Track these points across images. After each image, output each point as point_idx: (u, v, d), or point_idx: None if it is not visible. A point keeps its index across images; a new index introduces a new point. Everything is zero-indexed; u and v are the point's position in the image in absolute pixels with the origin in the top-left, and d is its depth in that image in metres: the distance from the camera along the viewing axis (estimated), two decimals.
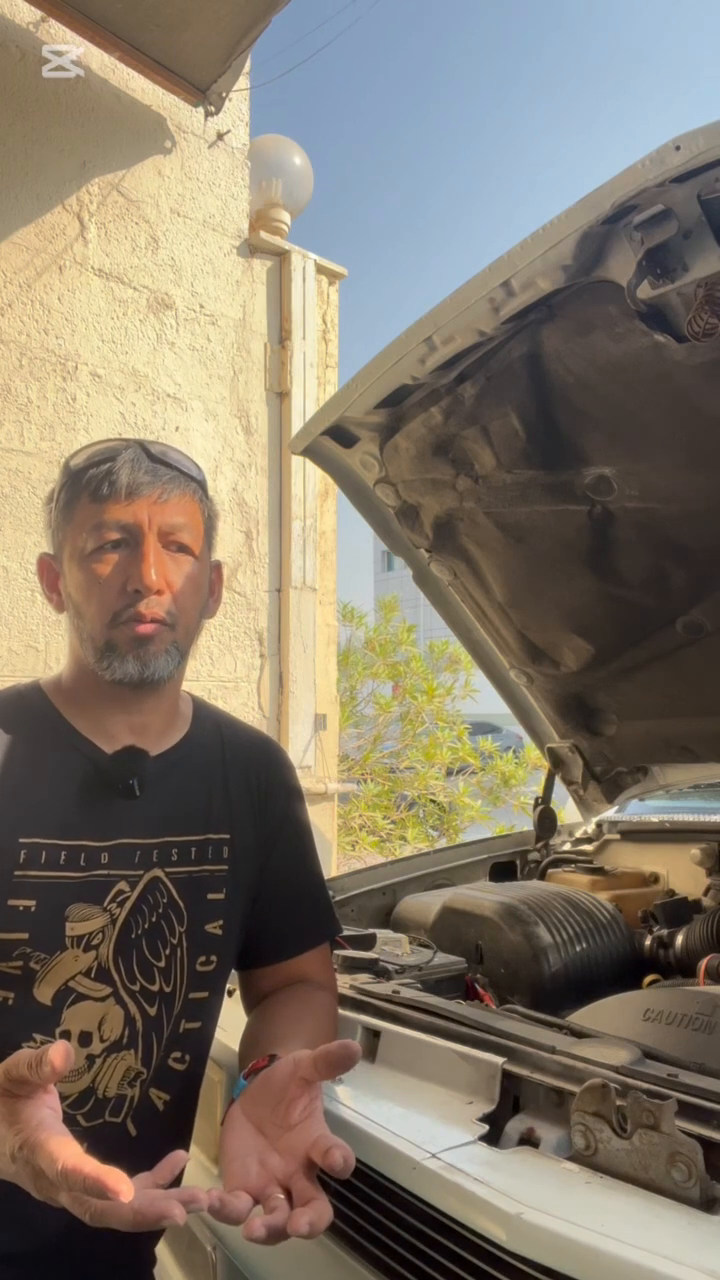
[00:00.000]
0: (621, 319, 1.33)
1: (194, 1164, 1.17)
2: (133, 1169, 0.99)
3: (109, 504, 0.98)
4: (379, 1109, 0.99)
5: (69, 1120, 0.94)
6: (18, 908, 0.95)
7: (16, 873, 0.96)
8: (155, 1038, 1.02)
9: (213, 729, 1.15)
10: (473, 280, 1.40)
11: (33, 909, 0.96)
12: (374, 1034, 1.15)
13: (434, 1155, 0.87)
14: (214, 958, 1.06)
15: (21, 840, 0.97)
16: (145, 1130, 1.01)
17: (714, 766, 2.02)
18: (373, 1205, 0.96)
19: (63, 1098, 0.94)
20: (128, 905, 1.00)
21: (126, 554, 0.99)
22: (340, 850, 5.17)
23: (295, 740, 3.90)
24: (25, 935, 0.95)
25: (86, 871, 0.99)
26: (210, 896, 1.07)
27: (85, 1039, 0.97)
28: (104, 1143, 0.95)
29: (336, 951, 1.41)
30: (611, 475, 1.58)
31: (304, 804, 1.21)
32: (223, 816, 1.10)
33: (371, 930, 1.56)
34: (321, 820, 3.96)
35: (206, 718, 1.17)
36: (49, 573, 1.07)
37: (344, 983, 1.29)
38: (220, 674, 3.67)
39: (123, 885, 1.01)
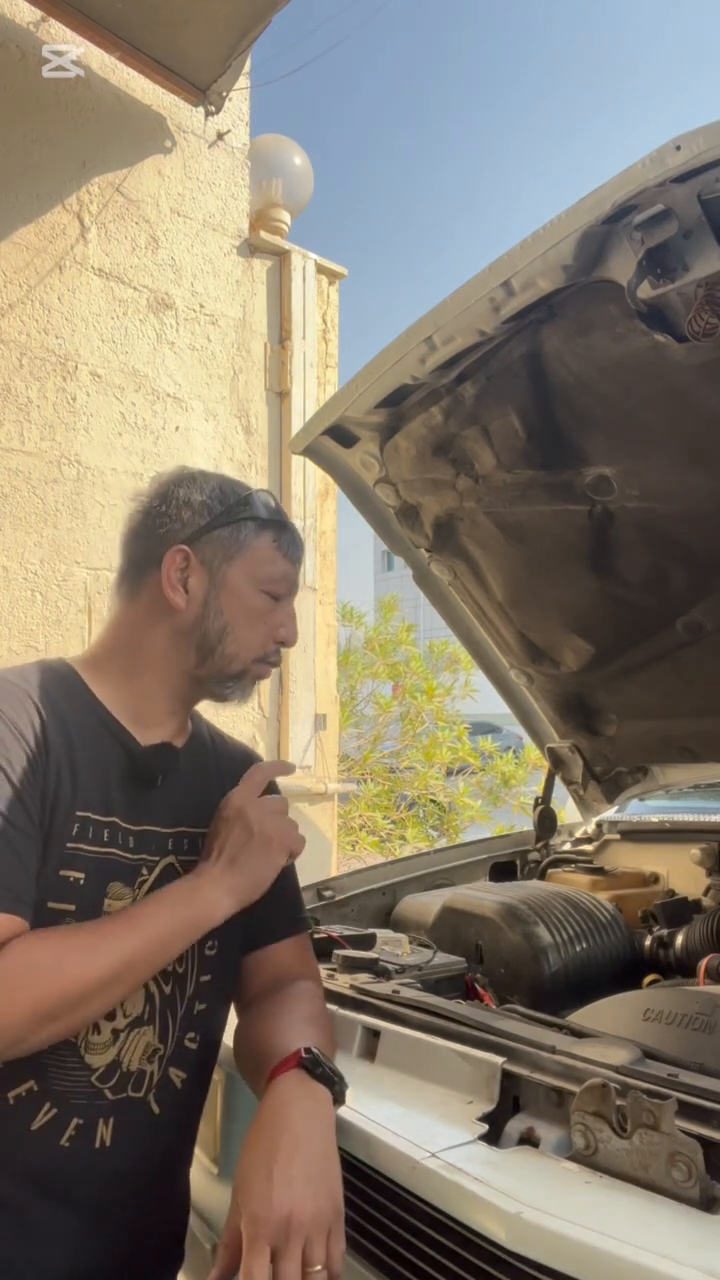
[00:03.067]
0: (621, 319, 1.33)
1: (195, 1164, 1.17)
2: (156, 1149, 1.05)
3: (291, 562, 1.14)
4: (379, 1109, 0.99)
5: (96, 1094, 1.00)
6: (69, 879, 0.99)
7: (69, 845, 1.00)
8: (171, 1016, 1.06)
9: (206, 735, 1.24)
10: (473, 280, 1.40)
11: (81, 882, 1.00)
12: (374, 1034, 1.15)
13: (434, 1155, 0.87)
14: (215, 942, 1.11)
15: (77, 813, 1.01)
16: (166, 1109, 1.05)
17: (714, 766, 2.02)
18: (373, 1204, 0.96)
19: (91, 1070, 1.00)
20: (145, 888, 1.06)
21: (282, 608, 1.14)
22: (340, 850, 5.17)
23: (295, 740, 3.90)
24: (73, 907, 0.99)
25: (122, 852, 1.04)
26: None
27: (110, 1013, 1.01)
28: (131, 1120, 1.02)
29: (336, 951, 1.41)
30: (611, 475, 1.58)
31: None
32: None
33: (371, 930, 1.56)
34: (321, 820, 3.95)
35: (201, 724, 1.25)
36: (180, 566, 1.09)
37: (344, 983, 1.29)
38: None
39: (144, 870, 1.06)
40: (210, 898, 1.01)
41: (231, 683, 1.12)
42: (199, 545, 1.10)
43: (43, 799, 0.98)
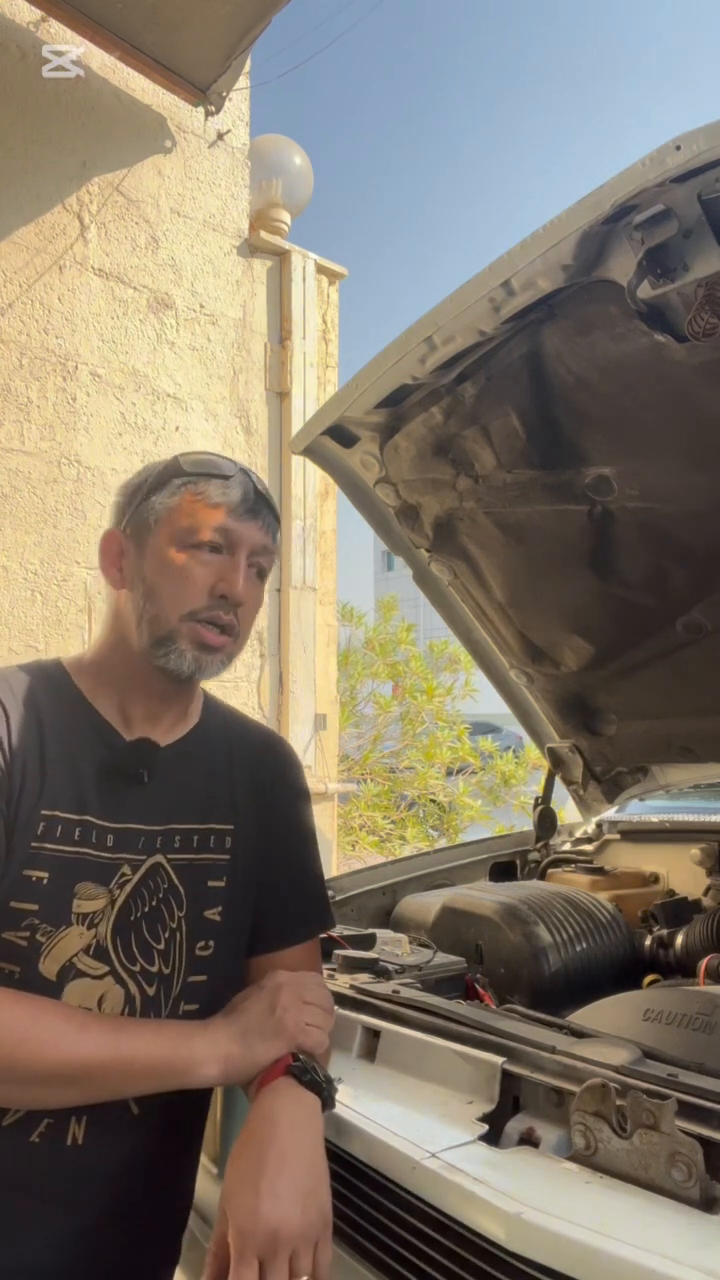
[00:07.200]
0: (622, 319, 1.32)
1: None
2: (138, 1150, 1.03)
3: (221, 511, 1.07)
4: (379, 1109, 0.99)
5: None
6: (31, 878, 0.98)
7: (33, 844, 0.99)
8: (154, 1017, 1.04)
9: (220, 724, 1.20)
10: (473, 280, 1.40)
11: (45, 881, 0.99)
12: (374, 1034, 1.15)
13: (434, 1155, 0.87)
14: (212, 943, 1.09)
15: (43, 812, 1.00)
16: (147, 1109, 1.03)
17: (714, 766, 2.02)
18: (373, 1204, 0.96)
19: None
20: (127, 888, 1.04)
21: (222, 560, 1.06)
22: (340, 850, 5.17)
23: (295, 740, 3.90)
24: (35, 906, 0.98)
25: (96, 851, 1.02)
26: (211, 884, 1.10)
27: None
28: (107, 1119, 0.99)
29: (336, 951, 1.41)
30: (611, 475, 1.58)
31: (309, 800, 1.25)
32: (227, 808, 1.14)
33: (371, 930, 1.56)
34: (321, 820, 3.96)
35: (215, 712, 1.21)
36: (113, 548, 1.11)
37: (344, 983, 1.29)
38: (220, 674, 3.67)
39: (125, 869, 1.04)
40: (199, 1055, 0.95)
41: (164, 648, 1.05)
42: (129, 524, 1.11)
43: (7, 800, 0.98)
